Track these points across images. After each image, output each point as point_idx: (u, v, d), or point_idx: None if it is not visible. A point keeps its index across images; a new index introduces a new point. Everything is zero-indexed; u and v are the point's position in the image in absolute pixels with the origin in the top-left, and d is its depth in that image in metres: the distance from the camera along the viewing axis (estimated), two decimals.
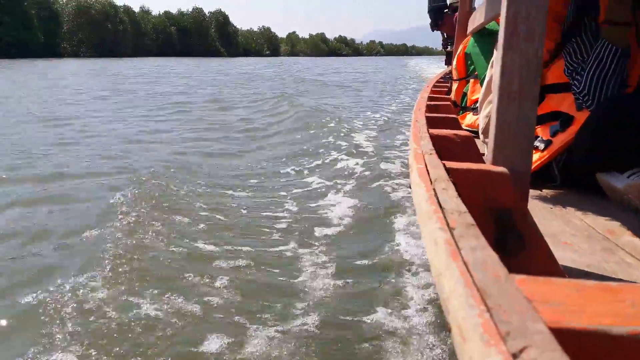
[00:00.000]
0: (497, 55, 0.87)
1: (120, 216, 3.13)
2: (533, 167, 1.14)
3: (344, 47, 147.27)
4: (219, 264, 2.53)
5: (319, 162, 5.07)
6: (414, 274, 2.30)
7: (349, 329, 1.91)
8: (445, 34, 4.11)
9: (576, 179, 1.46)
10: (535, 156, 1.45)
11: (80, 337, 1.88)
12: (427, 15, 4.01)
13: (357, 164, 4.82)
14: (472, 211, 0.58)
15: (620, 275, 0.88)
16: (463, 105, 2.63)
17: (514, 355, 0.29)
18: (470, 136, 1.17)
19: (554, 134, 1.49)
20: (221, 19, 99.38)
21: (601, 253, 0.99)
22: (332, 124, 7.35)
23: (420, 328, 1.92)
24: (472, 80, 2.50)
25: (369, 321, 1.96)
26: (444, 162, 0.83)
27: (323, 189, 3.97)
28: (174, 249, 2.70)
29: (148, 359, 1.76)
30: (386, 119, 8.36)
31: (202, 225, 3.08)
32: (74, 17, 70.37)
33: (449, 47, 4.10)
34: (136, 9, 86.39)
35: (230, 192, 3.94)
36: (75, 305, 2.09)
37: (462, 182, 0.76)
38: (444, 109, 1.94)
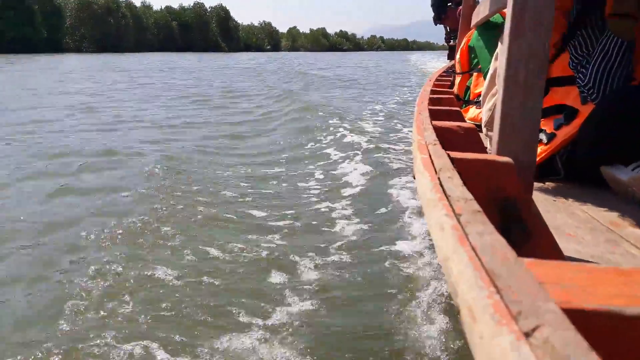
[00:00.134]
0: (503, 45, 0.87)
1: (183, 186, 3.87)
2: (536, 159, 1.14)
3: (344, 42, 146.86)
4: (268, 218, 3.23)
5: (333, 137, 6.13)
6: (412, 212, 3.21)
7: (371, 248, 2.70)
8: (448, 28, 4.09)
9: (580, 172, 1.45)
10: (539, 149, 1.45)
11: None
12: (429, 10, 3.99)
13: (364, 141, 5.75)
14: (477, 201, 0.58)
15: (625, 267, 0.88)
16: (466, 98, 2.62)
17: (527, 334, 0.29)
18: (473, 128, 1.17)
19: (558, 127, 1.49)
20: (222, 14, 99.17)
21: (605, 245, 0.98)
22: (338, 112, 8.22)
23: (419, 250, 2.64)
24: (475, 74, 2.49)
25: (385, 243, 2.74)
26: (447, 152, 0.82)
27: (339, 159, 4.98)
28: (226, 214, 3.27)
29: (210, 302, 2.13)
30: (390, 109, 9.06)
31: (249, 191, 3.85)
32: (77, 12, 70.32)
33: (451, 41, 4.08)
34: (137, 4, 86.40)
35: (263, 162, 4.95)
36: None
37: (466, 172, 0.75)
38: (446, 102, 1.93)
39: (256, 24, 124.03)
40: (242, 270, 2.44)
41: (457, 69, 2.79)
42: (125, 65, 26.59)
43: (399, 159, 4.90)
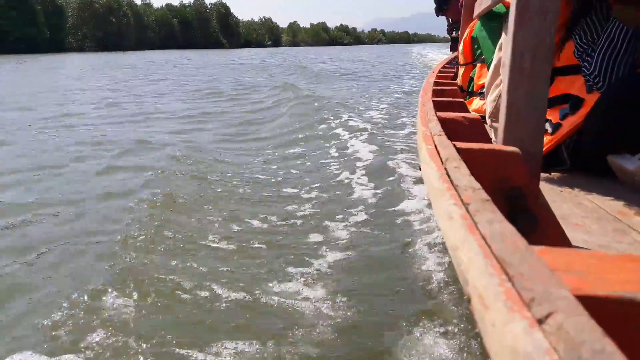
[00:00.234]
0: (507, 34, 0.86)
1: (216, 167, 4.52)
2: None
3: (345, 36, 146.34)
4: (298, 190, 3.82)
5: (341, 120, 6.98)
6: (411, 180, 3.88)
7: (385, 208, 3.33)
8: (450, 19, 4.06)
9: (586, 162, 1.44)
10: (544, 140, 1.44)
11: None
12: (429, 2, 3.97)
13: (370, 126, 6.55)
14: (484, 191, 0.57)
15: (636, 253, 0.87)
16: (470, 90, 2.61)
17: (540, 321, 0.29)
18: (478, 119, 1.16)
19: (563, 117, 1.48)
20: (222, 10, 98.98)
21: (612, 234, 0.98)
22: (343, 102, 9.02)
23: (420, 208, 3.24)
24: (478, 65, 2.47)
25: (395, 204, 3.38)
26: (453, 142, 0.82)
27: (349, 139, 5.72)
28: (260, 188, 3.85)
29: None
30: (394, 99, 9.70)
31: (276, 168, 4.60)
32: (78, 12, 70.39)
33: (454, 32, 4.06)
34: (138, 2, 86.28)
35: (282, 142, 5.85)
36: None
37: (472, 162, 0.75)
38: (450, 94, 1.92)
39: (256, 19, 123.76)
40: (284, 234, 2.90)
41: (460, 60, 2.77)
42: (131, 63, 27.41)
43: (401, 139, 5.73)
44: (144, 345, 1.81)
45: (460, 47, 2.77)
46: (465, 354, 1.74)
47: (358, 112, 7.90)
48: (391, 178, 4.03)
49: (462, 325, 1.89)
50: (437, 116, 1.09)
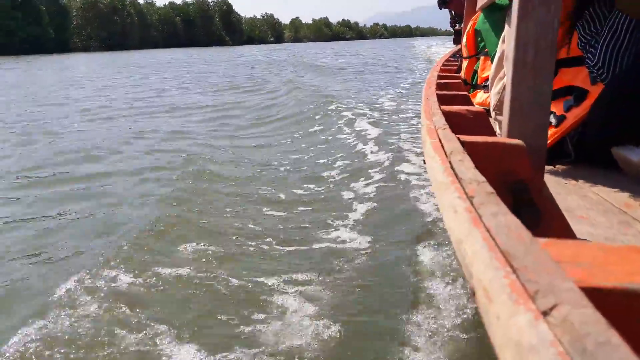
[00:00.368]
0: (510, 26, 0.85)
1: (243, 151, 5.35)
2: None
3: (347, 31, 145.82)
4: (322, 160, 4.70)
5: (351, 105, 8.01)
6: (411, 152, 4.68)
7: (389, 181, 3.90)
8: (453, 12, 4.04)
9: (590, 154, 1.44)
10: (549, 132, 1.43)
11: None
12: None
13: (378, 113, 7.41)
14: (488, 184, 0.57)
15: None
16: (474, 83, 2.60)
17: (544, 313, 0.29)
18: (482, 112, 1.16)
19: (567, 109, 1.46)
20: (225, 7, 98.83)
21: (618, 226, 0.97)
22: (350, 94, 9.85)
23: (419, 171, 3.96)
24: (482, 58, 2.45)
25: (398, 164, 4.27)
26: (457, 136, 0.82)
27: (359, 121, 6.56)
28: (291, 163, 4.65)
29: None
30: (401, 91, 10.43)
31: (299, 142, 5.72)
32: (83, 12, 70.56)
33: (457, 25, 4.03)
34: (141, 1, 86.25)
35: (298, 120, 7.13)
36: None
37: (477, 155, 0.75)
38: (454, 87, 1.91)
39: (258, 16, 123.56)
40: (321, 192, 3.69)
41: (464, 53, 2.76)
42: (140, 62, 28.19)
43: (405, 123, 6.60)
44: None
45: (464, 40, 2.75)
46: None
47: (366, 103, 8.58)
48: (394, 147, 5.00)
49: None
50: (441, 109, 1.09)
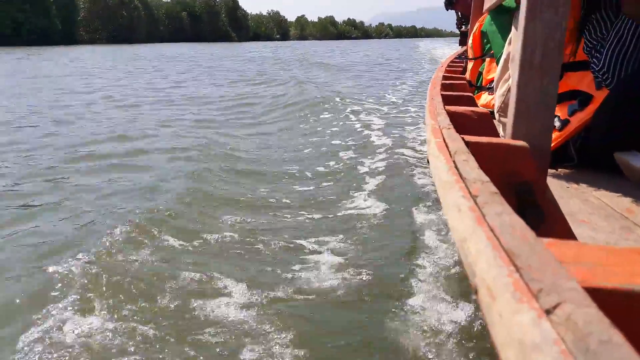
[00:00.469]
0: (518, 27, 0.85)
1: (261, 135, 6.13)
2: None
3: (352, 30, 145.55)
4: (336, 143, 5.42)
5: (356, 98, 8.86)
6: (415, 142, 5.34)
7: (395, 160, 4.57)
8: (459, 13, 4.03)
9: (593, 159, 1.43)
10: (552, 136, 1.43)
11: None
12: None
13: (385, 107, 8.14)
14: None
15: None
16: (478, 84, 2.59)
17: (548, 312, 0.29)
18: (487, 113, 1.16)
19: (572, 114, 1.46)
20: (231, 3, 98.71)
21: (619, 231, 0.97)
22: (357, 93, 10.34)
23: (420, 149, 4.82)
24: (488, 60, 2.45)
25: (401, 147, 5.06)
26: (462, 136, 0.81)
27: (368, 116, 7.15)
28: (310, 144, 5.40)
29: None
30: (409, 88, 11.13)
31: (315, 124, 6.70)
32: (90, 5, 70.60)
33: (463, 26, 4.03)
34: None
35: (310, 104, 8.07)
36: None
37: (481, 156, 0.75)
38: (459, 88, 1.91)
39: (264, 13, 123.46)
40: (336, 166, 4.40)
41: (470, 54, 2.75)
42: (148, 56, 28.51)
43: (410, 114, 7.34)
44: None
45: (470, 42, 2.75)
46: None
47: (374, 97, 9.34)
48: (397, 132, 5.82)
49: None
50: (445, 110, 1.09)
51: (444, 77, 2.20)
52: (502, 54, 1.83)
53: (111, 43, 64.60)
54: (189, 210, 3.12)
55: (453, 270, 2.34)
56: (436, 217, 2.97)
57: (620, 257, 0.38)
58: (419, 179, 3.86)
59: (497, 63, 2.01)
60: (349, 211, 3.20)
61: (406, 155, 4.65)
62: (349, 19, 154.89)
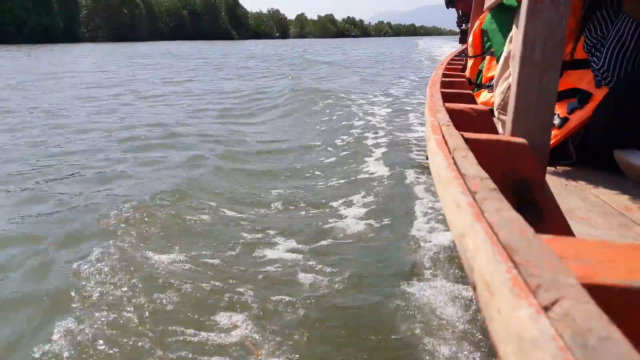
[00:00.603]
0: (519, 24, 0.85)
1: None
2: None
3: (352, 28, 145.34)
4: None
5: (364, 94, 9.43)
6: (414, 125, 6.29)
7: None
8: (460, 12, 4.02)
9: (592, 157, 1.43)
10: (551, 134, 1.43)
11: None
12: None
13: (388, 98, 8.97)
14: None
15: None
16: (478, 82, 2.59)
17: (546, 308, 0.28)
18: (486, 110, 1.16)
19: (571, 112, 1.46)
20: (231, 2, 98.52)
21: (618, 229, 0.97)
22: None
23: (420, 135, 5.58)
24: (488, 57, 2.45)
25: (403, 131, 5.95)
26: (461, 133, 0.81)
27: (371, 106, 7.96)
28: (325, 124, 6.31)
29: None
30: (408, 82, 11.94)
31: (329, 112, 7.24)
32: (92, 3, 70.51)
33: (463, 24, 4.02)
34: None
35: (324, 104, 8.00)
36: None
37: (480, 153, 0.74)
38: (458, 85, 1.91)
39: (264, 11, 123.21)
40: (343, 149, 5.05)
41: (470, 52, 2.75)
42: (153, 53, 29.21)
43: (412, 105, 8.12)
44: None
45: (470, 40, 2.74)
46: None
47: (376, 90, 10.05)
48: (400, 120, 6.62)
49: None
50: (445, 107, 1.09)
51: (444, 75, 2.19)
52: (502, 52, 1.83)
53: (112, 41, 64.66)
54: (224, 180, 3.83)
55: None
56: (425, 178, 3.76)
57: (619, 253, 0.37)
58: (415, 152, 4.75)
59: (497, 61, 2.01)
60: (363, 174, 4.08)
61: (405, 135, 5.60)
62: (348, 17, 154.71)
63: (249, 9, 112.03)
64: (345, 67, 16.53)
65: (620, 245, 0.39)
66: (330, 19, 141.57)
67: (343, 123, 6.26)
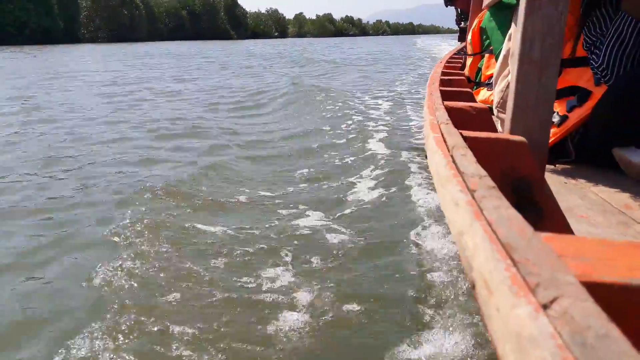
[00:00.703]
0: (517, 21, 0.84)
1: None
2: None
3: (350, 27, 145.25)
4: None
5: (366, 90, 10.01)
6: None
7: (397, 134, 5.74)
8: (459, 10, 4.02)
9: (592, 155, 1.43)
10: (550, 132, 1.43)
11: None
12: None
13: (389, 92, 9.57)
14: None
15: None
16: (477, 80, 2.59)
17: (545, 306, 0.28)
18: (485, 108, 1.16)
19: (570, 109, 1.46)
20: (230, 1, 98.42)
21: (617, 227, 0.97)
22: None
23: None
24: (487, 55, 2.44)
25: (403, 120, 6.64)
26: (460, 131, 0.81)
27: (375, 100, 8.54)
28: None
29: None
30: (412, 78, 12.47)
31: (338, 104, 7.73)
32: (92, 3, 70.48)
33: (462, 22, 4.02)
34: None
35: (326, 92, 8.96)
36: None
37: (479, 151, 0.74)
38: (457, 84, 1.91)
39: (263, 10, 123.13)
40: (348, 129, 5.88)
41: (469, 50, 2.75)
42: (157, 53, 29.49)
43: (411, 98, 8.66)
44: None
45: (469, 38, 2.74)
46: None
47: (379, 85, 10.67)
48: (401, 111, 7.19)
49: None
50: (444, 105, 1.08)
51: (443, 73, 2.19)
52: (501, 50, 1.83)
53: (112, 42, 64.74)
54: (247, 162, 4.42)
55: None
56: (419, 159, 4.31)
57: (618, 251, 0.37)
58: (415, 139, 5.26)
59: (497, 59, 2.01)
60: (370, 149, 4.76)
61: (406, 123, 6.29)
62: (346, 16, 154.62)
63: (247, 9, 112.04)
64: (345, 65, 17.01)
65: (620, 243, 0.39)
66: (328, 18, 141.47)
67: (345, 111, 6.93)
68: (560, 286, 0.30)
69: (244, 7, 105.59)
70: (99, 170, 4.19)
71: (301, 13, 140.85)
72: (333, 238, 2.66)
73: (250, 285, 2.19)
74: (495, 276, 0.32)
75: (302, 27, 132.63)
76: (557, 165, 1.45)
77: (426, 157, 0.92)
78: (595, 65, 1.44)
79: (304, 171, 4.07)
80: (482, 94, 2.35)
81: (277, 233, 2.72)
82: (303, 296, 2.08)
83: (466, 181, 0.52)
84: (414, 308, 2.00)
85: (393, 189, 3.53)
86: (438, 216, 2.83)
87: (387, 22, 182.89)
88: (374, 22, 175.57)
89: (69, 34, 63.01)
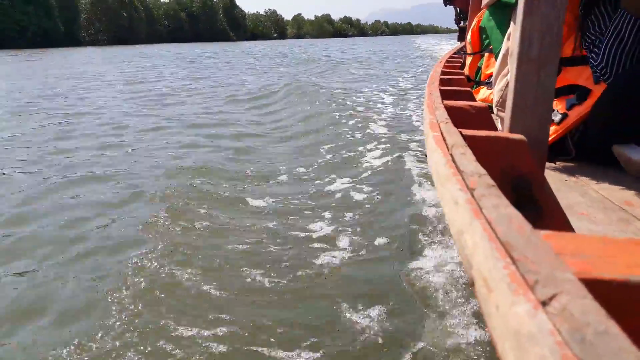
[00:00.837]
0: (516, 21, 0.85)
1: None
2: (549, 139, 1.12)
3: (349, 28, 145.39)
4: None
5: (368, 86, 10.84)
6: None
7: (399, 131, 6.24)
8: (458, 9, 4.02)
9: (591, 152, 1.43)
10: (550, 129, 1.43)
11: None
12: None
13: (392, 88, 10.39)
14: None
15: None
16: (477, 79, 2.59)
17: (544, 303, 0.28)
18: (485, 107, 1.16)
19: (570, 108, 1.46)
20: (228, 3, 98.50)
21: (617, 224, 0.97)
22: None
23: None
24: (486, 55, 2.44)
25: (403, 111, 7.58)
26: (460, 130, 0.81)
27: (379, 94, 9.36)
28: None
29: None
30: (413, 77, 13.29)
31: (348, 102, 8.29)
32: (92, 6, 70.63)
33: (462, 22, 4.02)
34: None
35: (332, 90, 9.70)
36: None
37: (478, 150, 0.74)
38: (457, 83, 1.91)
39: (262, 12, 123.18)
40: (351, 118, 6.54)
41: (468, 49, 2.74)
42: (163, 55, 30.22)
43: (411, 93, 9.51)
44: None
45: (468, 37, 2.74)
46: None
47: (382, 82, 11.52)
48: (402, 104, 7.88)
49: None
50: (443, 104, 1.08)
51: (443, 72, 2.19)
52: (500, 49, 1.83)
53: (112, 44, 64.86)
54: (268, 146, 5.10)
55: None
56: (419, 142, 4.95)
57: (617, 248, 0.37)
58: (415, 134, 5.76)
59: (496, 58, 2.01)
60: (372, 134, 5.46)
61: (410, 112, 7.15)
62: (345, 16, 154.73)
63: (246, 10, 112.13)
64: (345, 64, 17.64)
65: (620, 241, 0.39)
66: (327, 19, 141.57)
67: (349, 104, 7.65)
68: (558, 283, 0.30)
69: (242, 9, 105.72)
70: (147, 153, 4.83)
71: (300, 14, 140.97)
72: (357, 195, 3.43)
73: (301, 235, 2.80)
74: (495, 274, 0.33)
75: (301, 28, 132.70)
76: (557, 163, 1.45)
77: (426, 155, 0.92)
78: (595, 64, 1.44)
79: (324, 147, 4.87)
80: (482, 93, 2.35)
81: (315, 198, 3.41)
82: (343, 240, 2.71)
83: (465, 180, 0.53)
84: (427, 230, 2.78)
85: (396, 155, 4.36)
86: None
87: (385, 22, 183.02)
88: (372, 23, 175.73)
89: (70, 37, 63.17)
